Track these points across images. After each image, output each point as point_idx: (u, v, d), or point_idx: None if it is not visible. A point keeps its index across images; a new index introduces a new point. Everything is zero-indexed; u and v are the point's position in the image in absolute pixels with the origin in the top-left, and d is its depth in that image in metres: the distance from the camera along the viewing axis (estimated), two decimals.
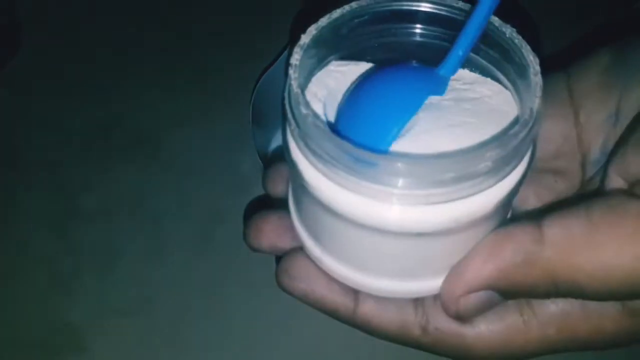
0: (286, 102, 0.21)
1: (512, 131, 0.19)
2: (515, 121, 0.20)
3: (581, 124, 0.24)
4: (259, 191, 0.46)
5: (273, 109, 0.45)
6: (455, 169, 0.18)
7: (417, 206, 0.19)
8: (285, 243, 0.25)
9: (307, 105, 0.19)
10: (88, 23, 0.54)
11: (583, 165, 0.24)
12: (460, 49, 0.21)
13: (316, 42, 0.22)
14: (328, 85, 0.23)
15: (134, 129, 0.49)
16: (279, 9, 0.56)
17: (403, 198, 0.19)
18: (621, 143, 0.21)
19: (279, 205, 0.26)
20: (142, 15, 0.55)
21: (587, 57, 0.24)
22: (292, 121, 0.20)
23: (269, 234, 0.26)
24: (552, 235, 0.19)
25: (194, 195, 0.46)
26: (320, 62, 0.23)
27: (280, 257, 0.26)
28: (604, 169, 0.21)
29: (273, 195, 0.27)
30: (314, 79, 0.23)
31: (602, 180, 0.21)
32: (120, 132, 0.48)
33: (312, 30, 0.22)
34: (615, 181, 0.21)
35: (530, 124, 0.19)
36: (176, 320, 0.41)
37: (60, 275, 0.42)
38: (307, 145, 0.20)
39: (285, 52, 0.42)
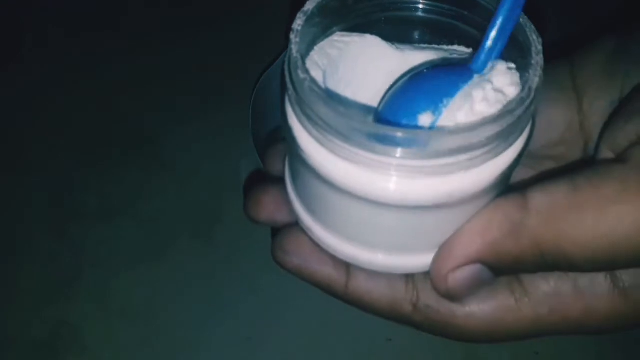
0: (285, 67, 0.20)
1: (508, 108, 0.19)
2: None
3: (584, 111, 0.24)
4: None
5: (273, 109, 0.46)
6: (451, 141, 0.18)
7: (413, 178, 0.19)
8: (282, 216, 0.25)
9: (305, 70, 0.19)
10: (88, 23, 0.54)
11: (585, 152, 0.24)
12: (489, 42, 0.21)
13: (321, 9, 0.21)
14: (330, 55, 0.23)
15: (134, 129, 0.49)
16: (279, 10, 0.56)
17: (399, 169, 0.19)
18: (612, 117, 0.21)
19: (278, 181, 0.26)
20: (142, 15, 0.55)
21: (591, 44, 0.24)
22: (290, 86, 0.20)
23: (268, 206, 0.25)
24: (536, 202, 0.19)
25: (194, 195, 0.46)
26: (324, 32, 0.23)
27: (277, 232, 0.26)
28: (596, 144, 0.21)
29: (272, 173, 0.27)
30: (316, 48, 0.23)
31: (594, 154, 0.21)
32: (120, 132, 0.48)
33: None
34: (605, 154, 0.21)
35: (528, 102, 0.19)
36: (176, 320, 0.41)
37: (60, 275, 0.42)
38: (303, 111, 0.20)
39: (286, 52, 0.42)
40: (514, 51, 0.21)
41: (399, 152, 0.18)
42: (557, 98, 0.24)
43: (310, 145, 0.20)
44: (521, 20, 0.21)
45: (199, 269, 0.43)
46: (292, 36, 0.20)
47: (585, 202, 0.18)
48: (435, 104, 0.20)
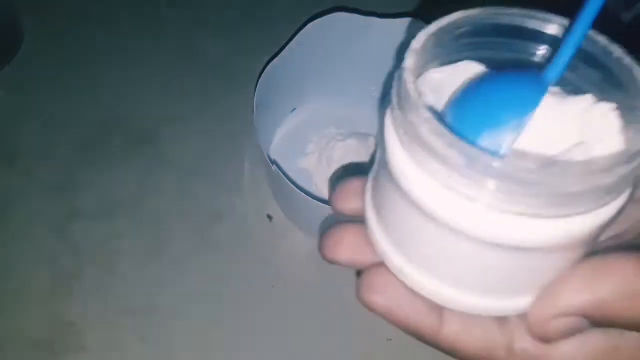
0: (398, 95, 0.18)
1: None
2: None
3: None
4: (258, 190, 0.46)
5: (276, 103, 0.45)
6: (579, 182, 0.16)
7: (514, 217, 0.17)
8: (365, 257, 0.23)
9: (428, 109, 0.17)
10: (88, 23, 0.54)
11: None
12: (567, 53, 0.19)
13: (424, 48, 0.20)
14: (433, 79, 0.21)
15: (134, 129, 0.49)
16: (279, 8, 0.56)
17: (499, 205, 0.17)
18: None
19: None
20: (142, 14, 0.55)
21: None
22: (405, 124, 0.18)
23: (349, 245, 0.23)
24: None
25: (194, 195, 0.46)
26: (421, 69, 0.21)
27: (359, 271, 0.24)
28: None
29: (343, 213, 0.24)
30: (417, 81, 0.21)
31: None
32: (120, 132, 0.48)
33: (422, 36, 0.20)
34: None
35: None
36: (176, 320, 0.41)
37: (60, 275, 0.42)
38: (411, 140, 0.18)
39: (287, 49, 0.42)
40: (616, 97, 0.19)
41: (498, 187, 0.17)
42: None
43: (415, 177, 0.18)
44: (626, 62, 0.19)
45: (199, 269, 0.43)
46: (406, 76, 0.18)
47: None
48: (517, 118, 0.18)
